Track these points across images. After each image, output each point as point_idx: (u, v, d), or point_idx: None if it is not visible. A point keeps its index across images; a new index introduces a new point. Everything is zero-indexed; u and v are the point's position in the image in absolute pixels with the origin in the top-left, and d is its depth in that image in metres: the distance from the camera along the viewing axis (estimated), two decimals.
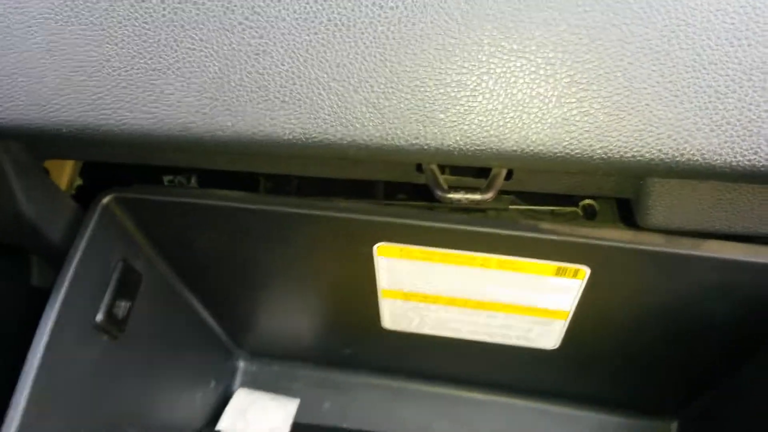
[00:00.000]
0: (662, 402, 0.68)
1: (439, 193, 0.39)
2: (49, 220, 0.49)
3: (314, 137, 0.30)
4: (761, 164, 0.27)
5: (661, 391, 0.66)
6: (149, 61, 0.31)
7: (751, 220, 0.37)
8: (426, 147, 0.30)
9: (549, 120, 0.28)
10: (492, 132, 0.29)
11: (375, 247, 0.51)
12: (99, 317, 0.49)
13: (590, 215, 0.54)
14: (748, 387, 0.57)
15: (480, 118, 0.29)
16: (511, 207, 0.52)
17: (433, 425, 0.73)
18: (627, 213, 0.48)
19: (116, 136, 0.32)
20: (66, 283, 0.47)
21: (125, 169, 0.51)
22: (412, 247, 0.50)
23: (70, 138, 0.33)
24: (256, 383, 0.79)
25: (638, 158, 0.28)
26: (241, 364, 0.80)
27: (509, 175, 0.40)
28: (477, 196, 0.38)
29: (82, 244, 0.48)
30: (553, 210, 0.53)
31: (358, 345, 0.70)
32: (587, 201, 0.53)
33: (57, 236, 0.50)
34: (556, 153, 0.29)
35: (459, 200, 0.38)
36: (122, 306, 0.53)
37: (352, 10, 0.29)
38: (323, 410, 0.76)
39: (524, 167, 0.32)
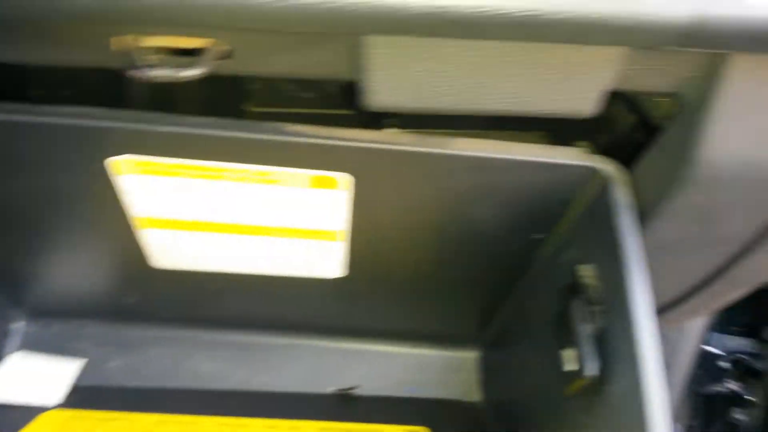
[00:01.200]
0: (460, 330, 0.67)
1: (135, 71, 0.33)
2: None
3: None
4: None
5: (456, 318, 0.65)
6: None
7: (474, 99, 0.35)
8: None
9: None
10: None
11: (107, 162, 0.44)
12: None
13: None
14: (529, 305, 0.56)
15: None
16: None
17: (231, 376, 0.67)
18: None
19: None
20: None
21: None
22: (154, 159, 0.44)
23: None
24: (37, 346, 0.70)
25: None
26: (19, 326, 0.70)
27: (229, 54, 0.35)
28: (177, 72, 0.32)
29: None
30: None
31: (137, 291, 0.63)
32: None
33: None
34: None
35: (158, 78, 0.33)
36: None
37: None
38: (110, 369, 0.68)
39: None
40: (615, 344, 0.40)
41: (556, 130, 0.48)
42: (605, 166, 0.42)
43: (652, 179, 0.41)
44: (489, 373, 0.68)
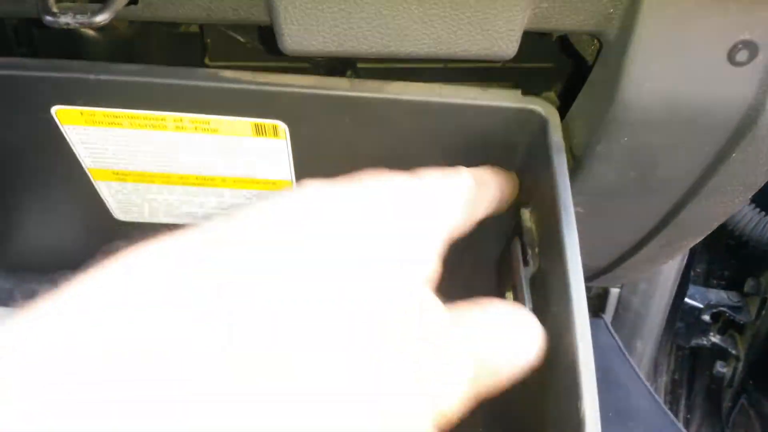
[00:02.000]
0: None
1: (48, 18, 0.33)
2: None
3: None
4: None
5: None
6: None
7: (393, 42, 0.34)
8: None
9: None
10: None
11: (53, 111, 0.45)
12: None
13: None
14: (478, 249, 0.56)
15: None
16: None
17: None
18: None
19: None
20: None
21: None
22: (94, 109, 0.45)
23: None
24: (8, 301, 0.72)
25: None
26: None
27: None
28: (87, 18, 0.32)
29: None
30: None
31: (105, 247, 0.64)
32: None
33: None
34: None
35: (68, 24, 0.33)
36: None
37: None
38: None
39: None
40: (550, 287, 0.40)
41: (522, 82, 0.48)
42: (542, 108, 0.42)
43: (584, 122, 0.40)
44: None
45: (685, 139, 0.39)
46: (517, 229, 0.44)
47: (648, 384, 0.65)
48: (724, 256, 0.91)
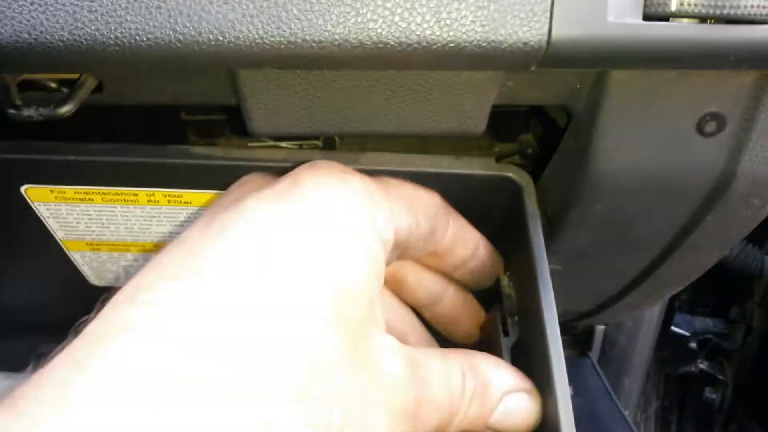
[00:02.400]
0: None
1: (11, 111, 0.32)
2: None
3: None
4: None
5: None
6: None
7: (359, 123, 0.34)
8: None
9: None
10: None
11: (23, 190, 0.44)
12: None
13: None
14: None
15: None
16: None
17: None
18: None
19: None
20: None
21: None
22: (65, 187, 0.44)
23: None
24: None
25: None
26: None
27: (100, 87, 0.35)
28: (50, 111, 0.32)
29: None
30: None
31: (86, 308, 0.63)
32: None
33: None
34: None
35: (31, 117, 0.32)
36: None
37: None
38: None
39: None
40: (531, 355, 0.40)
41: (500, 124, 0.47)
42: (516, 175, 0.41)
43: (557, 189, 0.40)
44: None
45: (658, 204, 0.39)
46: (497, 296, 0.44)
47: (633, 425, 0.65)
48: (708, 283, 0.91)
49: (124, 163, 0.42)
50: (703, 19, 0.27)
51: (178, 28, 0.26)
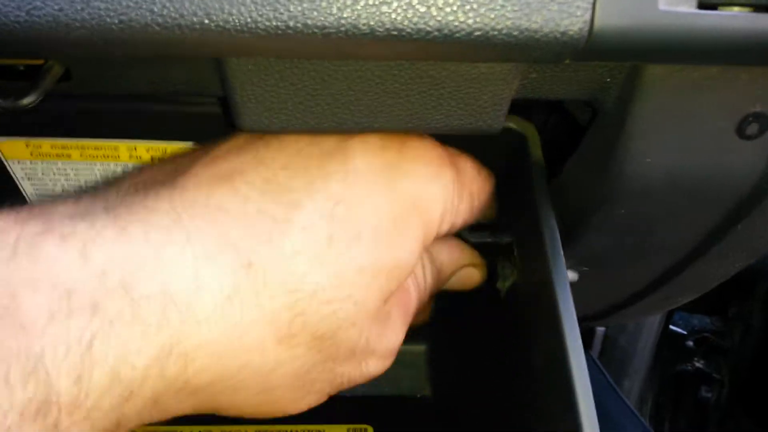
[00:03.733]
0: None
1: None
2: None
3: None
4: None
5: None
6: None
7: (363, 119, 0.30)
8: None
9: None
10: None
11: None
12: None
13: None
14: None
15: None
16: None
17: None
18: None
19: None
20: None
21: None
22: (40, 140, 0.40)
23: None
24: None
25: None
26: None
27: (68, 74, 0.30)
28: (11, 103, 0.28)
29: None
30: None
31: None
32: None
33: None
34: None
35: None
36: None
37: None
38: None
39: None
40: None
41: None
42: (518, 125, 0.37)
43: (576, 191, 0.37)
44: (436, 366, 0.65)
45: (687, 209, 0.35)
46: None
47: (643, 418, 0.62)
48: None
49: (105, 111, 0.37)
50: (763, 8, 0.24)
51: (155, 9, 0.22)
